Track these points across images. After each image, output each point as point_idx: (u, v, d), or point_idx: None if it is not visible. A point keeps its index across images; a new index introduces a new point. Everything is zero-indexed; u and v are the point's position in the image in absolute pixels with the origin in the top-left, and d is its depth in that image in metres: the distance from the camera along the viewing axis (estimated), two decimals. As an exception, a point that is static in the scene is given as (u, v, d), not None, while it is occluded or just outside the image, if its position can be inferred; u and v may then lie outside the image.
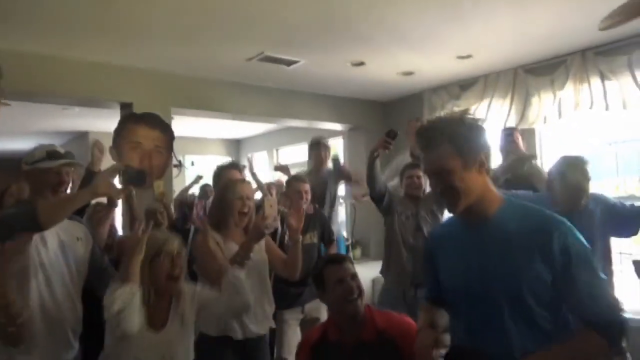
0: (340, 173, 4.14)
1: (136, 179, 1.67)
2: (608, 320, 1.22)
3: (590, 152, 3.78)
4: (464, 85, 4.67)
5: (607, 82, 3.71)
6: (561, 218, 1.29)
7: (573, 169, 2.41)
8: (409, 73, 4.43)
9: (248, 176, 4.30)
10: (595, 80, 3.76)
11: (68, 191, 2.03)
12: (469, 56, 3.99)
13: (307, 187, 3.22)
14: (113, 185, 1.66)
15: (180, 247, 1.84)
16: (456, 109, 4.66)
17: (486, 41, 3.68)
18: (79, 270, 2.02)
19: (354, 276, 1.82)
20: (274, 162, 7.20)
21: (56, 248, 1.93)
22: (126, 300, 1.65)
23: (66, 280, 1.96)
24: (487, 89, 4.45)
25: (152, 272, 1.76)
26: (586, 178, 2.42)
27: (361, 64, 4.14)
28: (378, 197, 3.26)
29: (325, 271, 1.83)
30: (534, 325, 1.26)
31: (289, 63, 4.06)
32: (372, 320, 1.77)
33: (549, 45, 3.81)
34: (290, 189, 3.24)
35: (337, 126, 5.56)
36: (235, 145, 8.35)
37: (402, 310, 3.09)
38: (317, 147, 4.19)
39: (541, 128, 4.24)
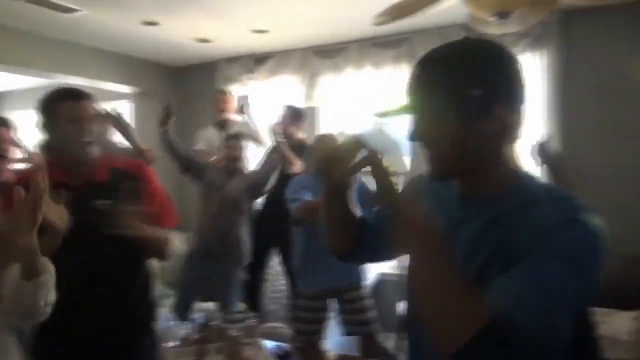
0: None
1: None
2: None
3: (365, 131, 4.29)
4: (259, 60, 4.78)
5: (377, 72, 4.25)
6: None
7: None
8: (205, 40, 4.34)
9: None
10: (370, 69, 4.27)
11: None
12: (265, 31, 4.10)
13: None
14: None
15: None
16: (251, 82, 4.76)
17: (282, 19, 3.83)
18: None
19: (92, 118, 1.61)
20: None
21: None
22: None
23: None
24: (279, 66, 4.65)
25: None
26: None
27: (154, 23, 3.88)
28: (183, 167, 3.26)
29: (58, 105, 1.57)
30: None
31: (66, 10, 3.56)
32: (107, 162, 1.67)
33: (335, 31, 4.16)
34: None
35: (123, 88, 5.13)
36: (-6, 99, 7.01)
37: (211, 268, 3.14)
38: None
39: (324, 107, 4.63)
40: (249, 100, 4.14)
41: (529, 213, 0.82)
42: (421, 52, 3.13)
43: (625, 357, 2.42)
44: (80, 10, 3.57)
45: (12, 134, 2.52)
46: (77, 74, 4.62)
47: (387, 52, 4.19)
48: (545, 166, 2.09)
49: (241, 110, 4.23)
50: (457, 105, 0.83)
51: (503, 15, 1.98)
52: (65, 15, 3.64)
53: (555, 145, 3.59)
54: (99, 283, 1.51)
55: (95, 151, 1.61)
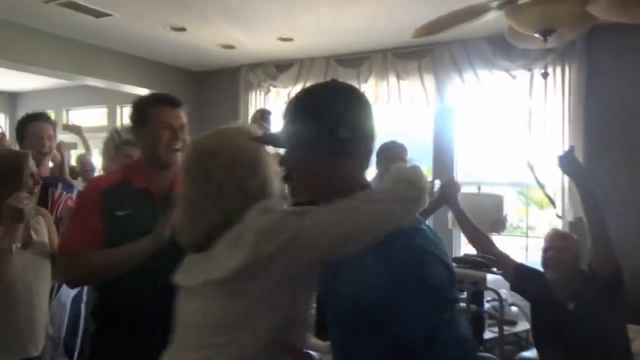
0: None
1: None
2: None
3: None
4: (281, 67, 4.82)
5: (401, 82, 4.28)
6: None
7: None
8: (230, 47, 4.38)
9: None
10: (392, 79, 4.31)
11: None
12: (290, 39, 4.14)
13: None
14: None
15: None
16: (272, 88, 4.80)
17: (307, 27, 3.87)
18: None
19: (183, 127, 1.63)
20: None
21: None
22: None
23: None
24: (301, 73, 4.68)
25: None
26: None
27: (182, 29, 3.92)
28: None
29: (153, 109, 1.59)
30: None
31: (99, 14, 3.60)
32: None
33: (359, 41, 4.20)
34: (119, 153, 2.97)
35: (144, 91, 5.16)
36: (11, 99, 7.04)
37: None
38: None
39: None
40: (270, 115, 4.09)
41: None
42: (444, 64, 3.20)
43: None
44: (111, 15, 3.60)
45: (53, 132, 2.55)
46: (99, 76, 4.66)
47: (410, 62, 4.22)
48: (567, 175, 2.12)
49: (261, 120, 4.14)
50: (304, 139, 0.97)
51: (548, 32, 2.01)
52: (96, 19, 3.68)
53: (577, 156, 3.64)
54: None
55: (179, 160, 1.60)
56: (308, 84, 4.60)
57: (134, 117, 1.63)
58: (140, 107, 1.62)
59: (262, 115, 4.13)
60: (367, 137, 1.00)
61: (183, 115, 1.63)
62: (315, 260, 0.98)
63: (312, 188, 1.01)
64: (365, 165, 1.03)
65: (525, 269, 2.34)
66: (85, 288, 2.65)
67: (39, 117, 2.54)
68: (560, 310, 2.08)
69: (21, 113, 6.99)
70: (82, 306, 2.72)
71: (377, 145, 1.05)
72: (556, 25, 1.98)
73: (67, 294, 2.56)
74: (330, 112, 0.97)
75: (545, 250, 2.23)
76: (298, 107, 1.01)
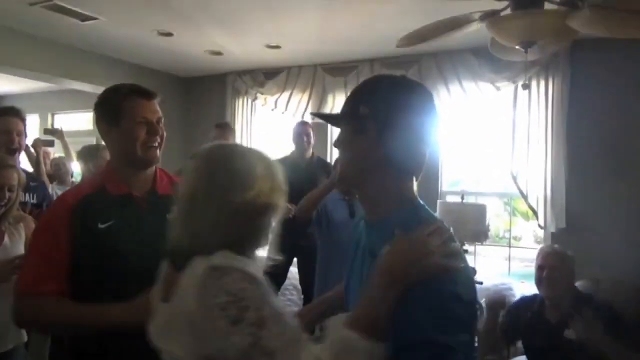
0: None
1: None
2: None
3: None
4: (268, 74, 4.83)
5: (388, 91, 4.30)
6: None
7: None
8: (217, 53, 4.38)
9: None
10: (379, 88, 4.33)
11: None
12: (277, 47, 4.15)
13: None
14: None
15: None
16: (260, 95, 4.80)
17: (294, 35, 3.88)
18: None
19: (160, 120, 1.45)
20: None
21: None
22: None
23: None
24: (289, 81, 4.70)
25: None
26: None
27: (169, 34, 3.91)
28: None
29: (127, 103, 1.39)
30: None
31: (84, 18, 3.58)
32: (166, 175, 1.53)
33: (346, 50, 4.22)
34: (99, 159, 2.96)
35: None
36: (-6, 101, 6.96)
37: None
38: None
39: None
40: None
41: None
42: (431, 74, 3.22)
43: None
44: (97, 19, 3.59)
45: (23, 126, 2.39)
46: (85, 80, 4.62)
47: (397, 72, 4.23)
48: None
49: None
50: (349, 121, 0.97)
51: (528, 44, 2.04)
52: (82, 22, 3.66)
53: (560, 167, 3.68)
54: None
55: (159, 157, 1.45)
56: (295, 92, 4.64)
57: (104, 112, 1.42)
58: (112, 101, 1.41)
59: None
60: (391, 127, 0.93)
61: (159, 108, 1.45)
62: None
63: (342, 167, 1.00)
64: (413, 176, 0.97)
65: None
66: None
67: (8, 112, 2.35)
68: (557, 337, 2.07)
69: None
70: None
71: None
72: (536, 38, 2.00)
73: None
74: (359, 94, 0.96)
75: (540, 268, 2.23)
76: (355, 104, 0.96)
